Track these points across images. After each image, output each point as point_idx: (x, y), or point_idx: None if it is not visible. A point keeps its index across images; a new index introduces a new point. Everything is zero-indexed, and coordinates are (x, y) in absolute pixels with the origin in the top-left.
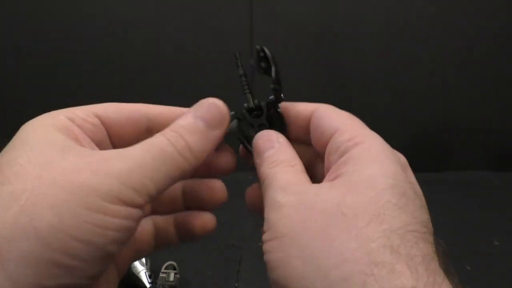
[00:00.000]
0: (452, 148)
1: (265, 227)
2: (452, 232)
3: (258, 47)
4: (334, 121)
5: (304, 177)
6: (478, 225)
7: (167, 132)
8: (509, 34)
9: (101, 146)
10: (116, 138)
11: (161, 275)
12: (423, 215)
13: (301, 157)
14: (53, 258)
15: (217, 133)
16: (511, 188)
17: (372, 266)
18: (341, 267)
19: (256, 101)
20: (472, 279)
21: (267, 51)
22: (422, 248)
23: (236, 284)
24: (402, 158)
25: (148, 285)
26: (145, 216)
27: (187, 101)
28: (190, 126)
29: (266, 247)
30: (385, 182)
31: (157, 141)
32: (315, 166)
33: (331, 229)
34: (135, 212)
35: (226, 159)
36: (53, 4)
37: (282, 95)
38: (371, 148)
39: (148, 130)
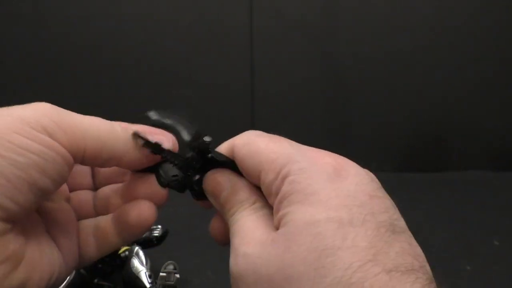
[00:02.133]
0: (452, 148)
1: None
2: (452, 232)
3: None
4: (254, 160)
5: (262, 221)
6: (478, 225)
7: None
8: (510, 34)
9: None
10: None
11: (161, 275)
12: (365, 243)
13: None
14: None
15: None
16: (511, 188)
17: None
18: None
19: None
20: (472, 279)
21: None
22: (371, 287)
23: None
24: (329, 168)
25: (148, 285)
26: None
27: (187, 101)
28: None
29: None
30: (318, 223)
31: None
32: None
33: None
34: (59, 148)
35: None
36: (52, 4)
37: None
38: (298, 182)
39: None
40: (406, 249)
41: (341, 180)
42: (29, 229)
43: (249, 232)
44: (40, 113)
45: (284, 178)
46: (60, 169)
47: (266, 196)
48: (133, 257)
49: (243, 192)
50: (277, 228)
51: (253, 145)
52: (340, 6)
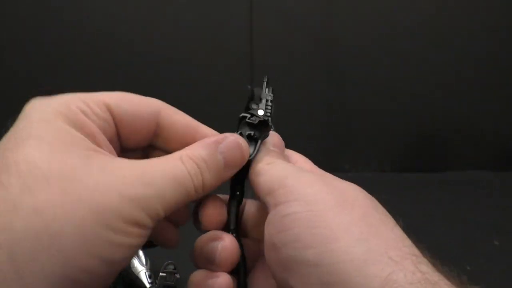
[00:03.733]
0: (452, 148)
1: (286, 196)
2: (452, 232)
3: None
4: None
5: None
6: (478, 225)
7: (188, 161)
8: (510, 34)
9: (111, 142)
10: (123, 135)
11: (161, 275)
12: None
13: None
14: (72, 275)
15: (231, 172)
16: (511, 188)
17: (415, 255)
18: (391, 251)
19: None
20: (472, 279)
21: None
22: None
23: None
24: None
25: (148, 285)
26: None
27: (187, 101)
28: (211, 162)
29: (295, 220)
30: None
31: (179, 170)
32: None
33: (371, 217)
34: (146, 232)
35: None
36: (50, 4)
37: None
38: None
39: (156, 135)
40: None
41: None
42: None
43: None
44: (129, 201)
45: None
46: (140, 247)
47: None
48: (133, 257)
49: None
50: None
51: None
52: (340, 6)
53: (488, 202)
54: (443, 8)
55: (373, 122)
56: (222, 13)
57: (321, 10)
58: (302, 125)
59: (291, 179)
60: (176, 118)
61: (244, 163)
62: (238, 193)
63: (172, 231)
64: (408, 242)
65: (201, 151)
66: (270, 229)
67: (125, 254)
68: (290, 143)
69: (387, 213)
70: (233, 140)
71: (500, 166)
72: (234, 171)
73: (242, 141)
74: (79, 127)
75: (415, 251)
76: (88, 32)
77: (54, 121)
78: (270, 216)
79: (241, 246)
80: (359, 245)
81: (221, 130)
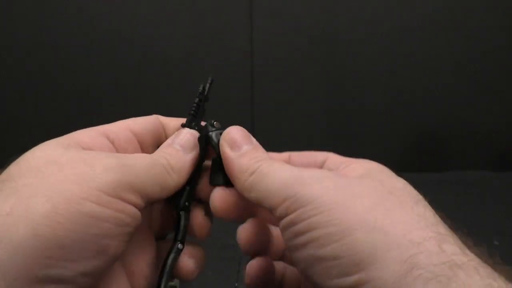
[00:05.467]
0: (452, 148)
1: (294, 205)
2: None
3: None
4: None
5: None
6: (478, 225)
7: (156, 153)
8: (510, 34)
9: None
10: (145, 151)
11: None
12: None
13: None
14: (43, 247)
15: (190, 156)
16: (511, 188)
17: (441, 236)
18: (411, 233)
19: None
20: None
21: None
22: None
23: (236, 284)
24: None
25: None
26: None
27: (187, 101)
28: (169, 150)
29: (303, 226)
30: (398, 181)
31: (148, 155)
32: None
33: (386, 203)
34: (130, 208)
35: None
36: (50, 5)
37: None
38: (364, 164)
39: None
40: None
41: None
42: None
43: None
44: (104, 168)
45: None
46: (130, 230)
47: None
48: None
49: (265, 153)
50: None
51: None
52: (340, 6)
53: (488, 202)
54: (443, 8)
55: (373, 122)
56: (222, 13)
57: (321, 10)
58: (302, 125)
59: (292, 186)
60: (170, 120)
61: (196, 144)
62: (187, 203)
63: (203, 218)
64: (432, 219)
65: (162, 147)
66: (285, 235)
67: (108, 229)
68: (290, 143)
69: (407, 188)
70: (183, 131)
71: (500, 166)
72: (194, 151)
73: (191, 130)
74: (73, 141)
75: (441, 228)
76: (88, 32)
77: (51, 142)
78: (283, 224)
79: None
80: (376, 233)
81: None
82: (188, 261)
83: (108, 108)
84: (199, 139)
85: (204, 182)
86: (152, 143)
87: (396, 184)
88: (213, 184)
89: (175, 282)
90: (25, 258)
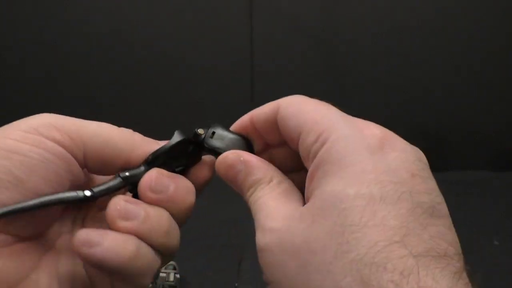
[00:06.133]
0: (452, 148)
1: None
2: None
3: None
4: (298, 119)
5: (283, 197)
6: (478, 225)
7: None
8: (510, 34)
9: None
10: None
11: (161, 275)
12: (395, 221)
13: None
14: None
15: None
16: (511, 188)
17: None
18: None
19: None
20: (472, 279)
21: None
22: (393, 269)
23: (236, 284)
24: (374, 140)
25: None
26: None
27: (187, 101)
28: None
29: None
30: (346, 198)
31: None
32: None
33: (305, 271)
34: (49, 143)
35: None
36: (49, 6)
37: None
38: (335, 151)
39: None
40: (442, 234)
41: (383, 154)
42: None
43: (272, 209)
44: (37, 118)
45: (324, 142)
46: (54, 167)
47: (303, 159)
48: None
49: (258, 171)
50: (308, 198)
51: (300, 105)
52: (340, 6)
53: (488, 202)
54: (443, 8)
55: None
56: (222, 13)
57: (321, 10)
58: None
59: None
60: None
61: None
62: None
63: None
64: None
65: None
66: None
67: (21, 161)
68: None
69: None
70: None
71: (500, 166)
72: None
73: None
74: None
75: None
76: (88, 32)
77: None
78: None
79: None
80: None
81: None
82: (204, 167)
83: (108, 108)
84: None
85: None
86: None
87: (330, 218)
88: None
89: (175, 281)
90: None
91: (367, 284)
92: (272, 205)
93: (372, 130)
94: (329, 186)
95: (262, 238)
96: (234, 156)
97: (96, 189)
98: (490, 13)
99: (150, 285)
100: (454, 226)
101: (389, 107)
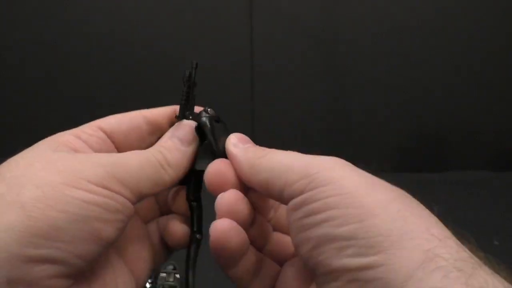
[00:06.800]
0: (452, 148)
1: (312, 184)
2: (452, 232)
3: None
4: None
5: None
6: (478, 225)
7: (151, 149)
8: (510, 34)
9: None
10: (123, 148)
11: (161, 275)
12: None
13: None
14: (36, 227)
15: (190, 149)
16: (511, 188)
17: (455, 236)
18: (433, 228)
19: (187, 113)
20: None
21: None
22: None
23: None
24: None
25: (148, 285)
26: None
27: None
28: (167, 144)
29: (327, 203)
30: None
31: (142, 151)
32: None
33: (403, 199)
34: (118, 197)
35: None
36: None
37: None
38: (329, 172)
39: (150, 134)
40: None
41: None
42: (98, 271)
43: None
44: (93, 164)
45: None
46: (122, 217)
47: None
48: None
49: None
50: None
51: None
52: (340, 6)
53: (488, 202)
54: (443, 8)
55: (373, 122)
56: (222, 13)
57: (321, 10)
58: (302, 125)
59: (312, 166)
60: (162, 114)
61: (195, 138)
62: (196, 194)
63: (178, 225)
64: (448, 230)
65: (159, 141)
66: (296, 214)
67: (94, 212)
68: (290, 143)
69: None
70: (181, 123)
71: (500, 166)
72: (192, 145)
73: (190, 122)
74: (62, 142)
75: (455, 239)
76: (88, 32)
77: (46, 141)
78: (296, 202)
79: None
80: (398, 221)
81: None
82: (179, 226)
83: (108, 108)
84: (197, 129)
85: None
86: (131, 141)
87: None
88: (199, 168)
89: (175, 281)
90: (17, 237)
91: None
92: None
93: None
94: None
95: (314, 159)
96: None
97: (196, 228)
98: (490, 13)
99: (150, 285)
100: (454, 226)
101: (389, 107)
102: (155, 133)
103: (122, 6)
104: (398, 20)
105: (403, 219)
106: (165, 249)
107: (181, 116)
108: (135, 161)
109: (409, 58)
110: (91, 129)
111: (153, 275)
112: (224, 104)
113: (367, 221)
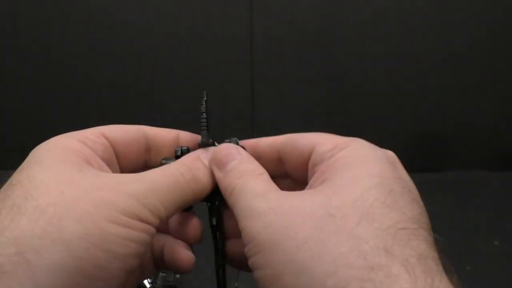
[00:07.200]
0: (452, 148)
1: (245, 240)
2: (452, 232)
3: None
4: (310, 138)
5: (275, 185)
6: (478, 225)
7: (179, 165)
8: (509, 34)
9: (110, 165)
10: (121, 158)
11: (161, 275)
12: (414, 210)
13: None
14: (80, 267)
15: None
16: (511, 188)
17: (369, 271)
18: (336, 274)
19: (210, 140)
20: (472, 279)
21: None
22: (415, 247)
23: (236, 284)
24: (390, 154)
25: (148, 285)
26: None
27: (187, 101)
28: (196, 161)
29: (251, 263)
30: (371, 180)
31: (171, 171)
32: None
33: (319, 233)
34: (150, 228)
35: (194, 228)
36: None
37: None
38: (355, 151)
39: (147, 149)
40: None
41: (396, 167)
42: None
43: (266, 186)
44: (126, 195)
45: (342, 149)
46: (148, 246)
47: (310, 167)
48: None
49: (253, 164)
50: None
51: (309, 133)
52: (340, 6)
53: (488, 202)
54: (443, 8)
55: (372, 122)
56: (222, 13)
57: (321, 10)
58: (302, 125)
59: (245, 218)
60: (162, 135)
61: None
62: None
63: (183, 249)
64: (375, 240)
65: (186, 157)
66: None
67: (131, 248)
68: None
69: (367, 194)
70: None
71: (500, 166)
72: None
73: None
74: (75, 152)
75: (381, 254)
76: (88, 32)
77: (53, 150)
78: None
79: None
80: (302, 276)
81: (220, 130)
82: (186, 252)
83: (108, 108)
84: None
85: None
86: (130, 153)
87: (357, 190)
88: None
89: (175, 281)
90: (64, 280)
91: (390, 252)
92: (265, 185)
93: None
94: (351, 172)
95: (260, 203)
96: (235, 148)
97: (220, 260)
98: (491, 13)
99: (150, 285)
100: (454, 226)
101: (388, 107)
102: (151, 151)
103: (122, 6)
104: (398, 20)
105: (308, 272)
106: (155, 267)
107: (204, 143)
108: (165, 185)
109: (409, 58)
110: (95, 136)
111: (153, 275)
112: (224, 104)
113: (278, 284)
